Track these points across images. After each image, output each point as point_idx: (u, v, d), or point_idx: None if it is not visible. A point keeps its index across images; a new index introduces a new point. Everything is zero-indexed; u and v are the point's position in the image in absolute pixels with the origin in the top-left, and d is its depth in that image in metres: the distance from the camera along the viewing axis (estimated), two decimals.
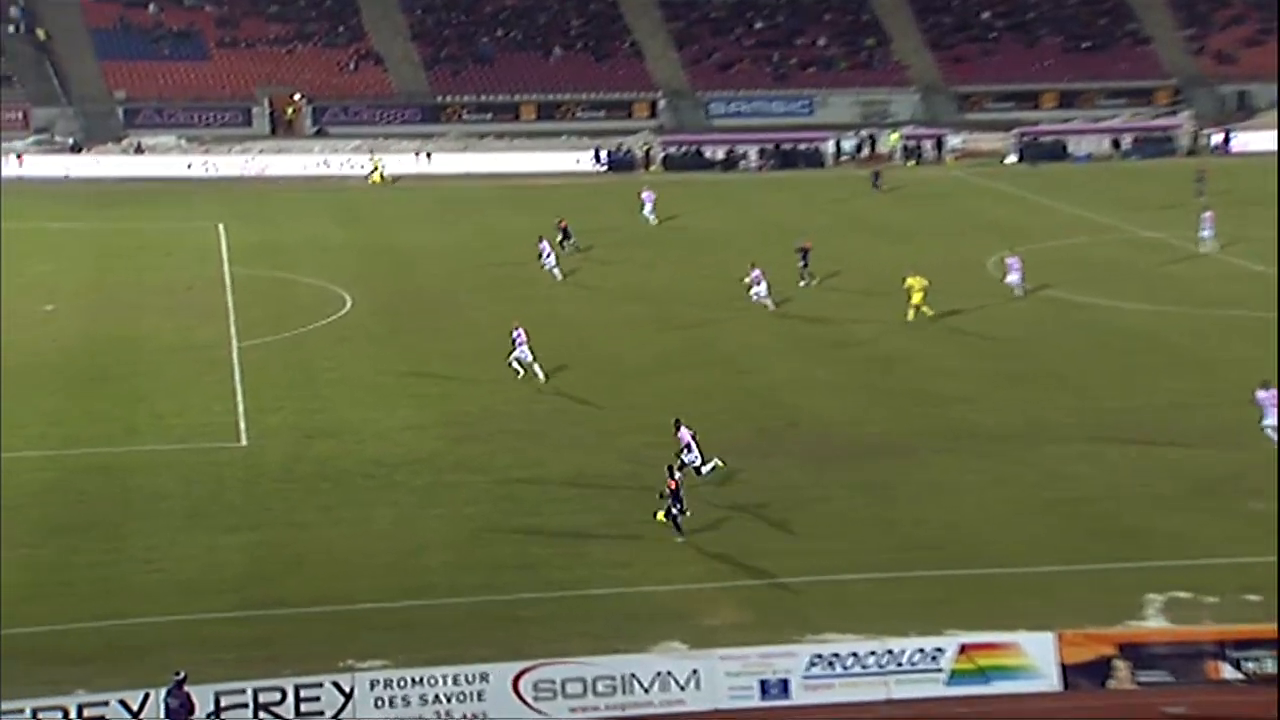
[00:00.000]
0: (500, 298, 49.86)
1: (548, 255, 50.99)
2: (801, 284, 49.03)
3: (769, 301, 46.37)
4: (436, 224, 63.56)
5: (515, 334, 39.72)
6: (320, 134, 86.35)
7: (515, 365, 39.48)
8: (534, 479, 33.37)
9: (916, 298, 45.13)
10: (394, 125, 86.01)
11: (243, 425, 36.66)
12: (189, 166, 76.07)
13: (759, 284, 46.54)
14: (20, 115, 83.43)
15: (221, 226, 61.31)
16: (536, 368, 39.38)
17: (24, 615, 26.18)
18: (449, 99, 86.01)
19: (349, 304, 48.92)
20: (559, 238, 54.20)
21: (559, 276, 50.54)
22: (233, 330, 45.14)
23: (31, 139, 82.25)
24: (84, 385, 39.57)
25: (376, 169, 74.77)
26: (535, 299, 48.88)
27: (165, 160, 76.80)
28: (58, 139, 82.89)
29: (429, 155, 78.21)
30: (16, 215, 63.14)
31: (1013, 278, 48.28)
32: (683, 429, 32.35)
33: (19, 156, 74.92)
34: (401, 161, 77.25)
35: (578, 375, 40.82)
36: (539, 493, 32.56)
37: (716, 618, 26.40)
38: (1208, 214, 54.75)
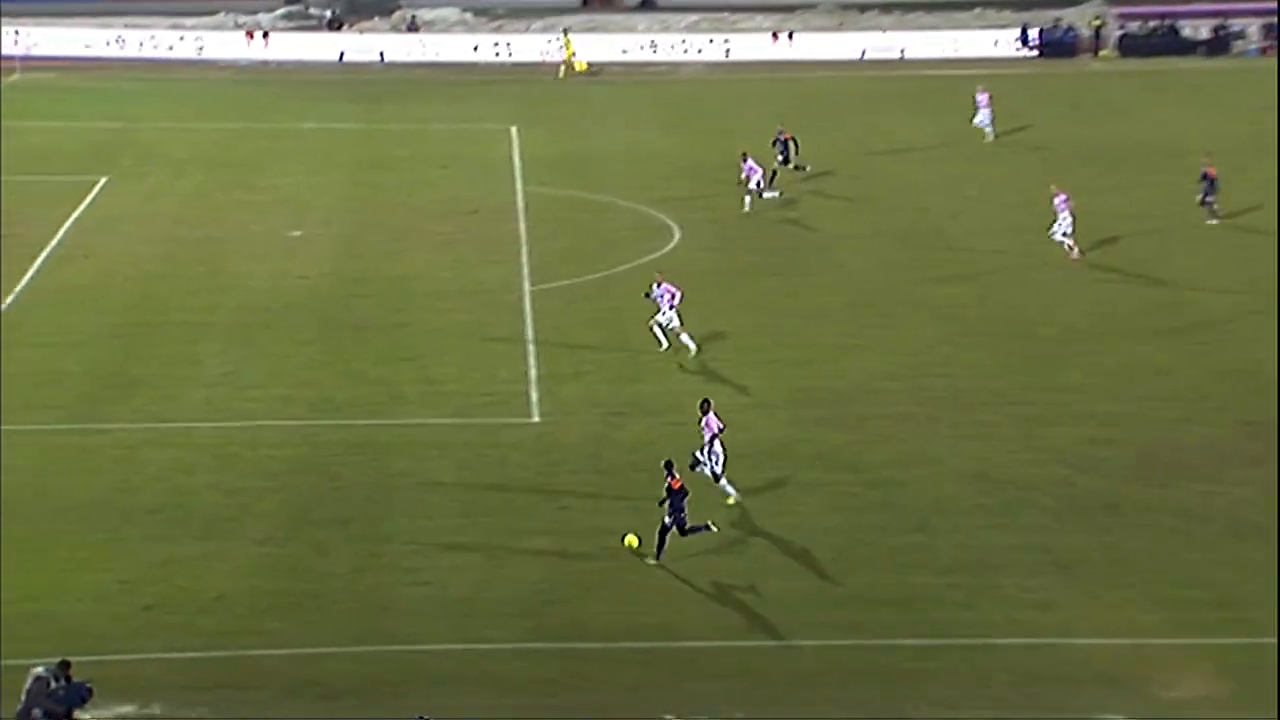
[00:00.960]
0: (883, 231, 49.84)
1: (755, 176, 51.23)
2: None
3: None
4: (798, 129, 63.69)
5: (657, 289, 39.83)
6: (646, 7, 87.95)
7: (657, 332, 39.70)
8: (920, 481, 33.44)
9: None
10: None
11: (535, 396, 37.94)
12: (475, 49, 78.87)
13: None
14: None
15: (514, 130, 63.38)
16: (685, 336, 39.55)
17: (266, 632, 27.93)
18: None
19: (676, 236, 49.84)
20: (777, 156, 53.90)
21: (748, 205, 51.12)
22: (525, 270, 46.71)
23: (281, 10, 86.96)
24: (339, 336, 41.77)
25: (570, 52, 75.05)
26: (930, 234, 48.59)
27: (445, 40, 79.87)
28: (313, 10, 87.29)
29: (790, 36, 78.70)
30: (256, 111, 67.09)
31: None
32: (712, 414, 32.38)
33: (264, 34, 79.34)
34: (753, 44, 78.04)
35: (980, 341, 40.50)
36: (926, 500, 32.61)
37: (1179, 686, 25.94)
38: None
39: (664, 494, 30.04)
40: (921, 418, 36.39)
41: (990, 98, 60.36)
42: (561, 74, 74.23)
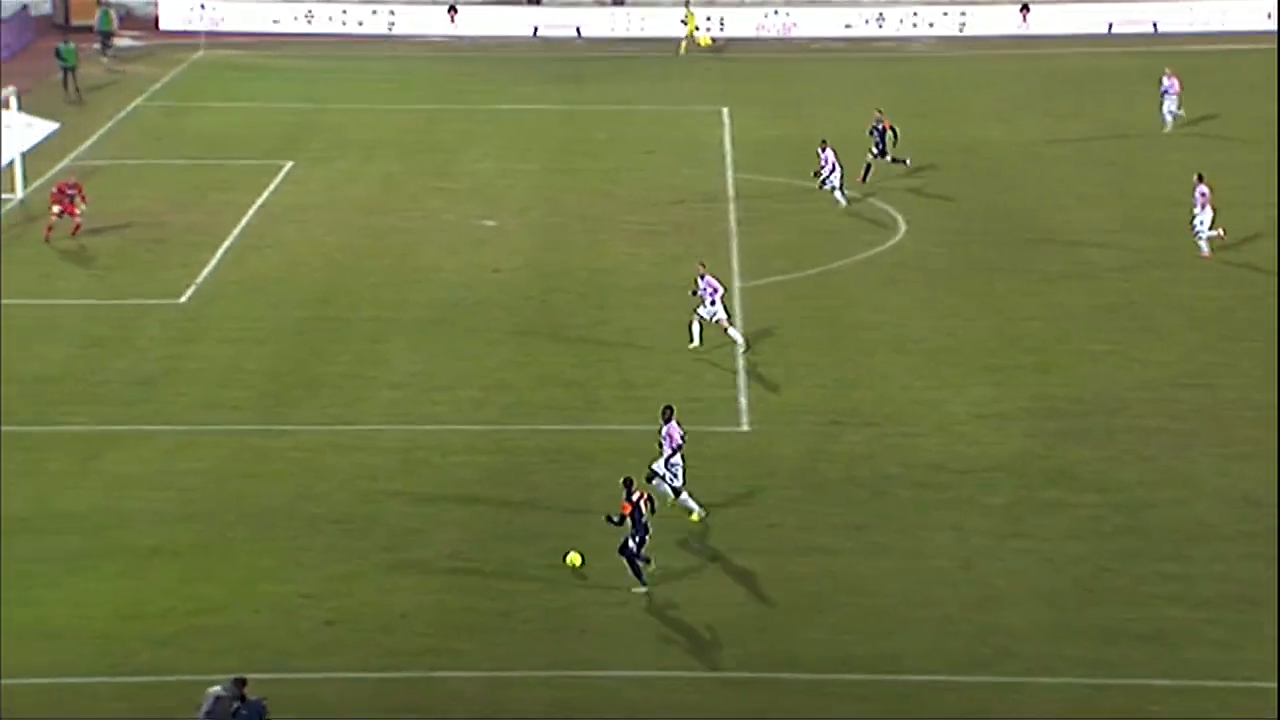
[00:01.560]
0: (1135, 224, 49.01)
1: (830, 170, 50.62)
2: None
3: None
4: (1042, 111, 63.16)
5: (702, 282, 39.82)
6: None
7: (695, 329, 40.10)
8: (1174, 503, 32.87)
9: None
10: None
11: (744, 403, 37.86)
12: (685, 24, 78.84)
13: None
14: None
15: (726, 112, 63.40)
16: (733, 331, 39.99)
17: (452, 653, 28.15)
18: None
19: (902, 228, 49.47)
20: (872, 146, 52.86)
21: (843, 202, 50.44)
22: (734, 264, 46.65)
23: None
24: (534, 335, 42.04)
25: (691, 26, 74.84)
26: (1188, 228, 47.68)
27: (655, 14, 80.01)
28: None
29: (1025, 9, 77.69)
30: (449, 91, 67.89)
31: None
32: (674, 423, 32.04)
33: (450, 10, 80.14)
34: (990, 18, 77.19)
35: (1246, 349, 39.59)
36: (1181, 525, 32.04)
37: None
38: None
39: (616, 517, 29.78)
40: (1177, 433, 35.72)
41: (1180, 83, 58.92)
42: (683, 50, 74.31)
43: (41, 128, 52.59)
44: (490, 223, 50.76)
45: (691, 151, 58.12)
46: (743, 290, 44.36)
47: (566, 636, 28.71)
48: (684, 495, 32.34)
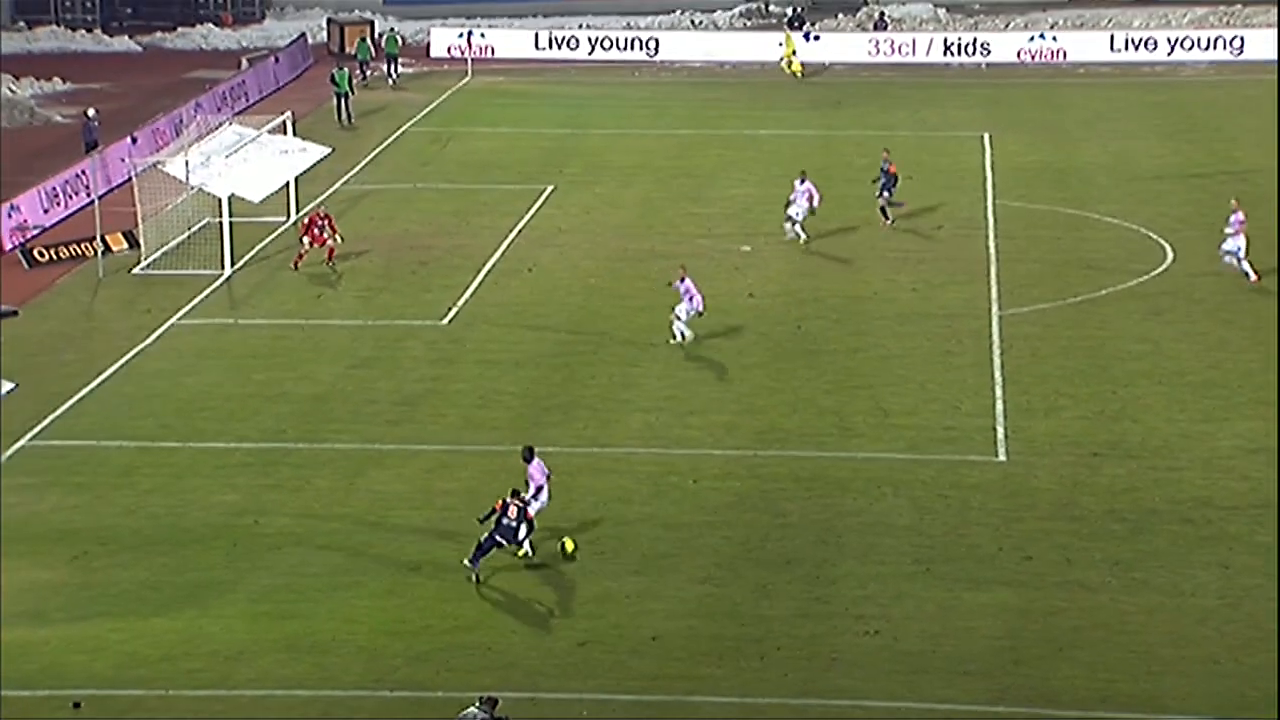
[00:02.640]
0: None
1: (797, 213, 50.37)
2: None
3: None
4: None
5: (681, 285, 42.44)
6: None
7: (677, 327, 42.41)
8: None
9: None
10: None
11: (1001, 432, 37.47)
12: (948, 50, 78.36)
13: None
14: None
15: (987, 138, 62.88)
16: (680, 325, 42.41)
17: (703, 678, 28.17)
18: None
19: (1169, 258, 48.60)
20: (881, 186, 51.70)
21: (799, 236, 50.13)
22: (994, 292, 46.22)
23: (739, 7, 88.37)
24: (788, 361, 42.00)
25: (789, 51, 74.39)
26: None
27: (916, 39, 79.63)
28: (773, 8, 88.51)
29: None
30: (709, 116, 68.39)
31: None
32: (535, 462, 32.60)
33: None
34: (1265, 40, 75.37)
35: None
36: None
37: None
38: None
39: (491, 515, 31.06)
40: None
41: None
42: (792, 70, 74.65)
43: (314, 152, 53.91)
44: (746, 248, 50.89)
45: (952, 177, 57.73)
46: (1002, 318, 43.90)
47: (817, 664, 28.60)
48: (524, 544, 31.69)
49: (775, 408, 39.14)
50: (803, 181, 50.49)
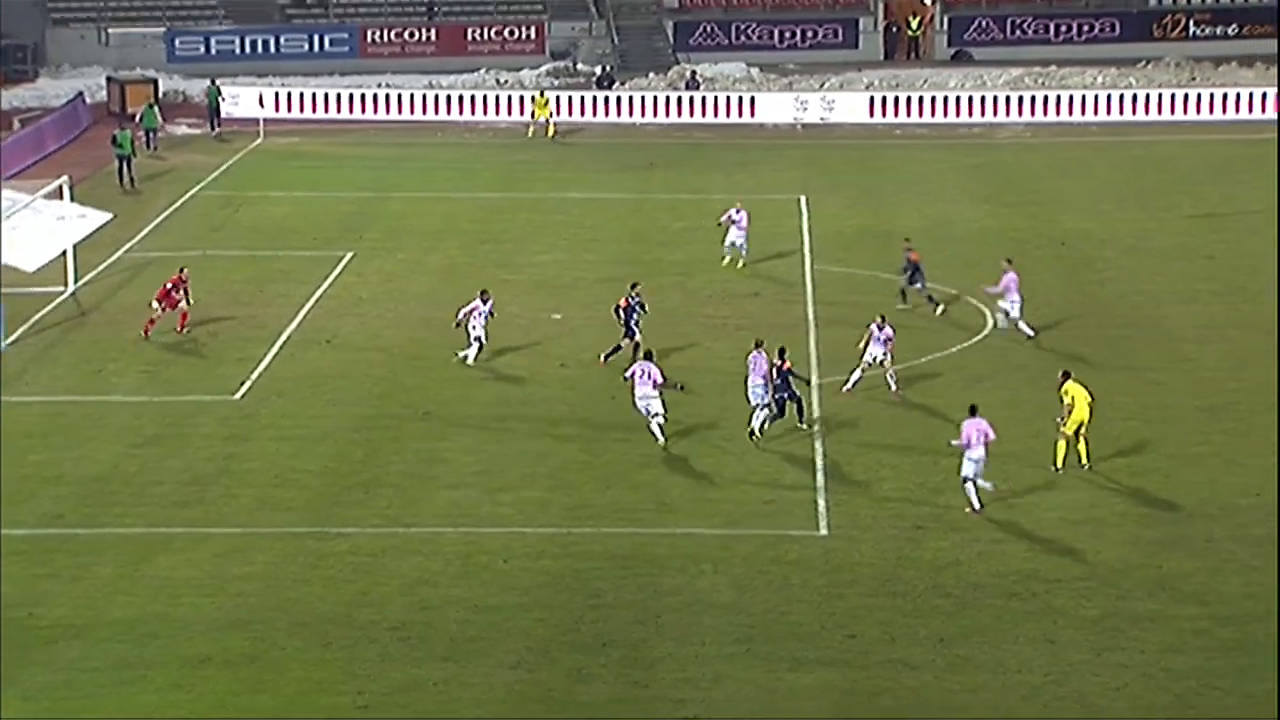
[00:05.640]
0: (1242, 322, 48.92)
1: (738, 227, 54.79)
2: None
3: None
4: (1134, 201, 62.98)
5: (475, 304, 46.23)
6: (959, 59, 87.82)
7: (471, 345, 46.01)
8: None
9: None
10: (1072, 44, 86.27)
11: (823, 506, 37.69)
12: (759, 109, 79.27)
13: None
14: (530, 33, 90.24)
15: (804, 200, 63.52)
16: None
17: None
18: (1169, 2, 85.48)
19: (989, 324, 49.31)
20: (905, 276, 51.23)
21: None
22: (813, 358, 46.62)
23: (545, 67, 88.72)
24: (600, 434, 42.04)
25: (543, 105, 76.24)
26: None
27: (727, 98, 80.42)
28: (581, 66, 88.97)
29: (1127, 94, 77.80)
30: (516, 179, 68.31)
31: None
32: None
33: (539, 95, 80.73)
34: (1082, 102, 77.24)
35: None
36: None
37: None
38: None
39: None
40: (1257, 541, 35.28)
41: None
42: (530, 134, 75.51)
43: (95, 218, 53.12)
44: (557, 316, 50.92)
45: (766, 239, 58.18)
46: (821, 386, 44.24)
47: None
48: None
49: (589, 483, 39.10)
50: (738, 210, 54.30)
